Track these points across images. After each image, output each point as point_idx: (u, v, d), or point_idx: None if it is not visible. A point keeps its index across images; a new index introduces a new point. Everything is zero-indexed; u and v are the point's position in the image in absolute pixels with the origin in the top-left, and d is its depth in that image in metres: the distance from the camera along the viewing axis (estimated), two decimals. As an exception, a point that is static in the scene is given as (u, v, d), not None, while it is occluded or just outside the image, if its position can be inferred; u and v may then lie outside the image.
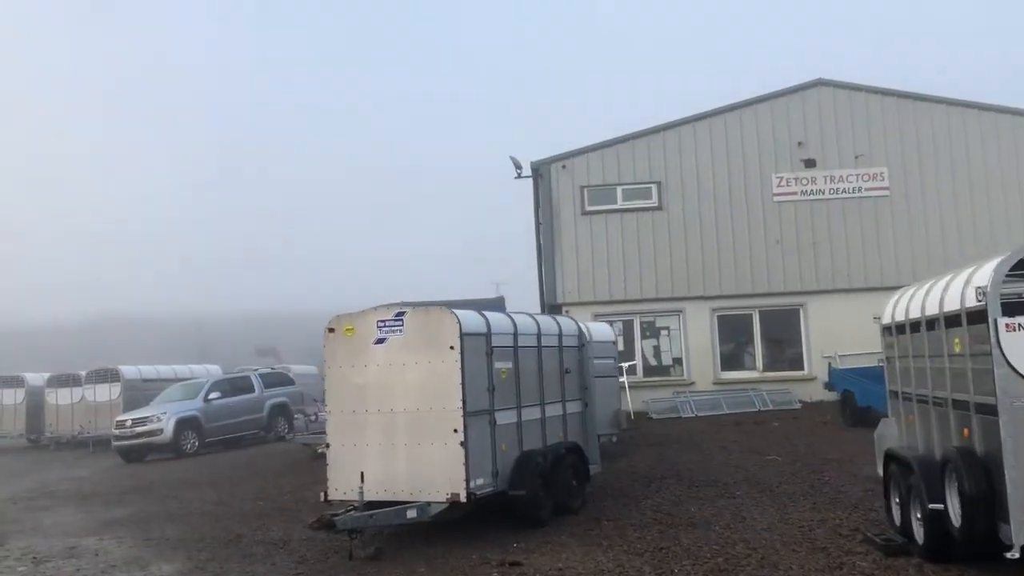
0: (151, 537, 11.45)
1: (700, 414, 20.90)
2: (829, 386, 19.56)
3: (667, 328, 22.51)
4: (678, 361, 22.54)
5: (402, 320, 10.33)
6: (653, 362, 22.67)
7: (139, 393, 28.96)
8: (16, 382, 32.60)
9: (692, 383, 22.03)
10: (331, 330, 10.78)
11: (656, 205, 22.57)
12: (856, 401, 18.00)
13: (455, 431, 9.85)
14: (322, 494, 10.66)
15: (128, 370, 29.49)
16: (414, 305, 11.19)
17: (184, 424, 23.78)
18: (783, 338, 22.58)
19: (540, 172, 22.74)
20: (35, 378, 32.60)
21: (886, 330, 10.03)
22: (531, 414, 11.35)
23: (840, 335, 21.58)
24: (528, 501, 10.54)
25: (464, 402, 9.90)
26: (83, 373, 30.15)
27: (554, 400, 11.96)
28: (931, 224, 22.00)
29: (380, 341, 10.43)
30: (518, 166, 22.86)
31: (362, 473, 9.91)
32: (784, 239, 22.18)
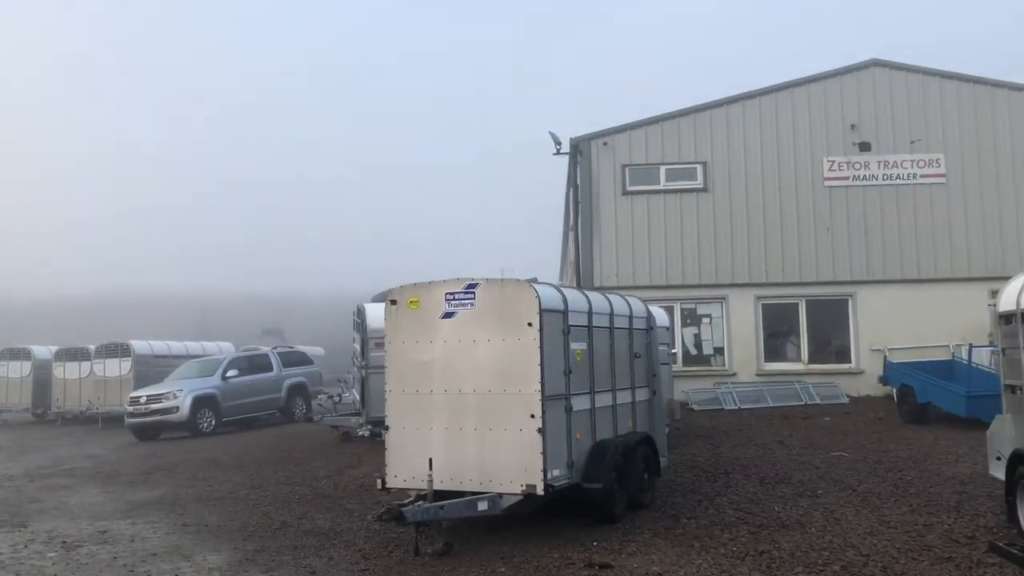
0: (188, 523, 10.55)
1: (743, 406, 20.00)
2: (884, 380, 18.64)
3: (709, 316, 21.56)
4: (719, 351, 21.60)
5: (473, 293, 9.38)
6: (693, 351, 21.73)
7: (150, 369, 28.11)
8: (22, 355, 31.67)
9: (734, 374, 21.11)
10: (393, 302, 9.85)
11: (701, 186, 21.58)
12: (916, 397, 17.09)
13: (532, 416, 8.92)
14: (379, 481, 9.73)
15: (139, 345, 28.59)
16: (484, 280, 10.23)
17: (201, 402, 22.88)
18: (830, 329, 21.64)
19: (580, 149, 21.75)
20: (42, 351, 31.68)
21: (1003, 318, 9.07)
22: (603, 401, 10.43)
23: (890, 328, 20.69)
24: (604, 495, 9.62)
25: (543, 385, 8.97)
26: (92, 347, 29.25)
27: (624, 387, 11.04)
28: (988, 213, 21.03)
29: (448, 315, 9.50)
30: (557, 142, 21.89)
31: (431, 460, 8.98)
32: (834, 226, 21.22)
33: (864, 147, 21.11)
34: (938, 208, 21.11)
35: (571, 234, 25.16)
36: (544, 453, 8.85)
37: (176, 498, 12.39)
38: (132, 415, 22.84)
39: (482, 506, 8.88)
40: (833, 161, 21.40)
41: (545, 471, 8.84)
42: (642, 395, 11.56)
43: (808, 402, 20.12)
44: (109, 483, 14.37)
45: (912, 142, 21.19)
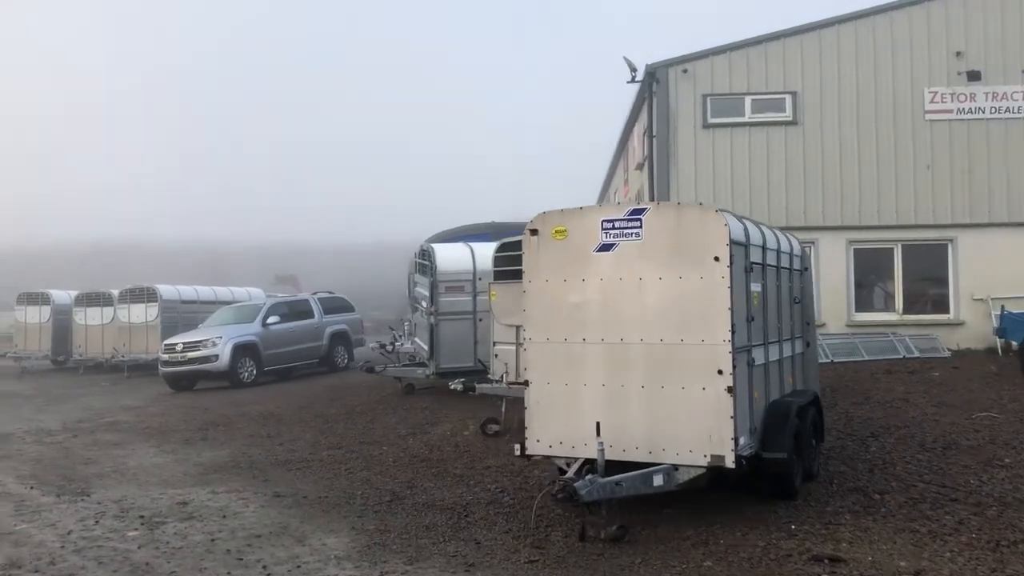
0: (280, 492, 8.96)
1: (836, 359, 18.35)
2: (1000, 333, 16.98)
3: (795, 261, 19.77)
4: (805, 298, 19.86)
5: (639, 220, 7.65)
6: (777, 299, 19.99)
7: (178, 315, 26.54)
8: (41, 299, 30.04)
9: (823, 324, 19.40)
10: (533, 232, 8.12)
11: (790, 119, 19.67)
12: (1043, 350, 15.45)
13: (719, 372, 7.26)
14: (516, 447, 8.12)
15: (166, 290, 26.93)
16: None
17: (242, 350, 21.34)
18: (927, 277, 19.90)
19: (656, 76, 19.80)
20: (62, 296, 30.07)
21: None
22: (774, 353, 8.78)
23: (995, 275, 18.95)
24: (786, 466, 8.01)
25: (732, 334, 7.29)
26: (115, 292, 27.62)
27: (788, 337, 9.39)
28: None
29: (606, 248, 7.78)
30: (633, 68, 19.92)
31: (598, 423, 7.34)
32: (935, 164, 19.36)
33: (973, 76, 19.13)
34: (1051, 145, 19.24)
35: (637, 171, 23.31)
36: (735, 417, 7.21)
37: (251, 461, 10.82)
38: (167, 363, 21.31)
39: (657, 481, 7.26)
40: (936, 92, 19.46)
41: (736, 439, 7.21)
42: (798, 347, 9.92)
43: (907, 355, 18.44)
44: (164, 440, 12.81)
45: (1024, 71, 19.23)
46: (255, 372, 21.44)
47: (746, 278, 7.81)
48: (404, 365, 17.47)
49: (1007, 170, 19.29)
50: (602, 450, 7.12)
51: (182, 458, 11.18)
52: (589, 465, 7.35)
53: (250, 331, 21.72)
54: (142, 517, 8.02)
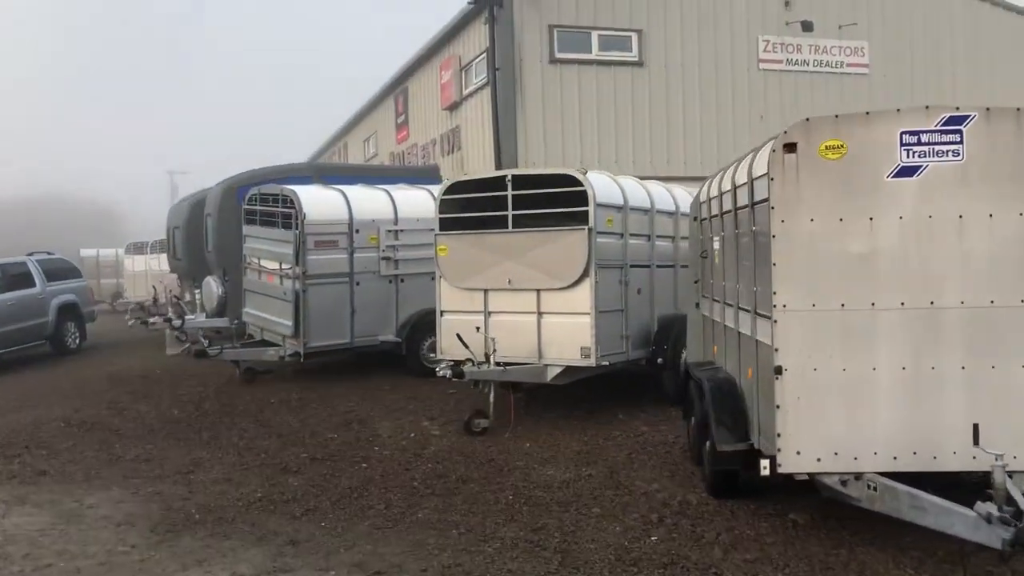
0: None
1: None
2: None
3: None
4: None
5: (959, 132, 5.41)
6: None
7: None
8: None
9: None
10: (789, 147, 5.53)
11: (636, 59, 18.22)
12: None
13: (1086, 346, 5.32)
14: (765, 463, 5.57)
15: None
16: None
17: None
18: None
19: (500, 0, 17.23)
20: None
21: None
22: None
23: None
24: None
25: (1098, 291, 5.38)
26: None
27: None
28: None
29: (907, 172, 5.45)
30: (473, -11, 17.15)
31: (975, 426, 5.04)
32: (768, 115, 19.11)
33: (806, 27, 19.03)
34: (861, 99, 19.83)
35: (447, 112, 20.50)
36: (1103, 404, 5.32)
37: (186, 515, 6.84)
38: None
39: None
40: (768, 42, 19.16)
41: (1103, 434, 5.33)
42: None
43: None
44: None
45: (840, 27, 19.55)
46: (-32, 363, 15.59)
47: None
48: (244, 345, 13.36)
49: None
50: (1002, 471, 4.83)
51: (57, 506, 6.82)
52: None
53: (-44, 306, 15.69)
54: None
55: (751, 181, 6.19)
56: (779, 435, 5.52)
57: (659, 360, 10.18)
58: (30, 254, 18.85)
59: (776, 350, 5.53)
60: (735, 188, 6.79)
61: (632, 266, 10.00)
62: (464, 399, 10.91)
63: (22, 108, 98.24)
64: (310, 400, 11.38)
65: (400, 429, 9.63)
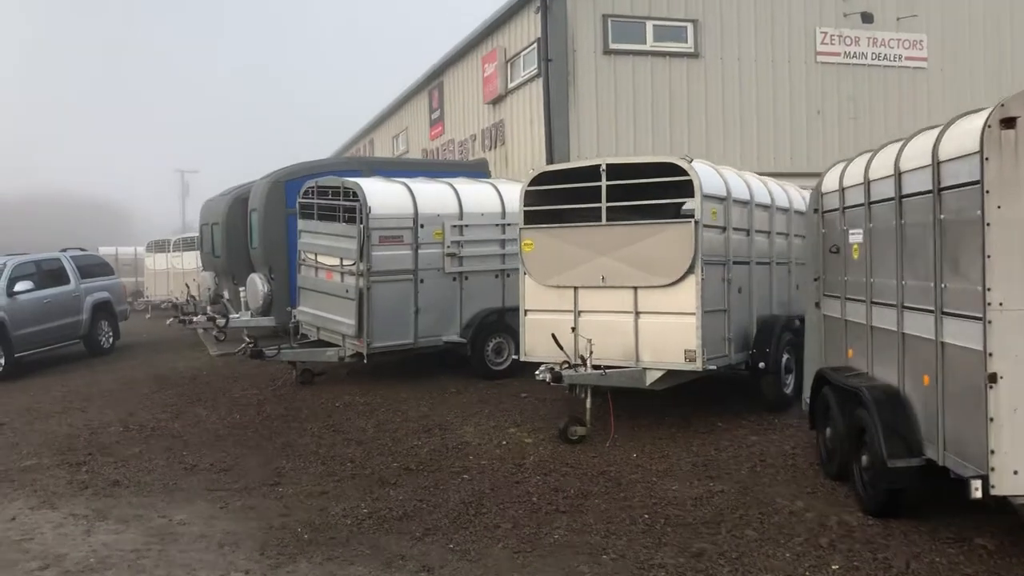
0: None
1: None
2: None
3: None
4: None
5: None
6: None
7: None
8: None
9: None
10: (1007, 122, 4.87)
11: (691, 50, 17.57)
12: None
13: None
14: (975, 484, 4.90)
15: None
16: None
17: (-18, 332, 14.67)
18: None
19: (551, -11, 16.59)
20: None
21: None
22: None
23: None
24: None
25: None
26: None
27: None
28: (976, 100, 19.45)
29: None
30: (526, -23, 16.49)
31: None
32: (825, 109, 18.45)
33: (867, 19, 18.36)
34: (920, 94, 19.17)
35: (490, 106, 19.83)
36: None
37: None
38: None
39: None
40: (825, 34, 18.49)
41: None
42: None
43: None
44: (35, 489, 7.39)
45: (899, 19, 18.89)
46: (2, 362, 14.92)
47: None
48: (303, 346, 12.69)
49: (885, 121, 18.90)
50: None
51: (145, 521, 6.17)
52: None
53: (-10, 303, 15.03)
54: None
55: (935, 164, 5.53)
56: (992, 452, 4.86)
57: (761, 364, 9.51)
58: (63, 250, 18.19)
59: (990, 355, 4.87)
60: (898, 174, 6.14)
61: (734, 263, 9.35)
62: (540, 403, 10.35)
63: (24, 108, 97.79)
64: (377, 404, 10.74)
65: (487, 436, 8.98)
